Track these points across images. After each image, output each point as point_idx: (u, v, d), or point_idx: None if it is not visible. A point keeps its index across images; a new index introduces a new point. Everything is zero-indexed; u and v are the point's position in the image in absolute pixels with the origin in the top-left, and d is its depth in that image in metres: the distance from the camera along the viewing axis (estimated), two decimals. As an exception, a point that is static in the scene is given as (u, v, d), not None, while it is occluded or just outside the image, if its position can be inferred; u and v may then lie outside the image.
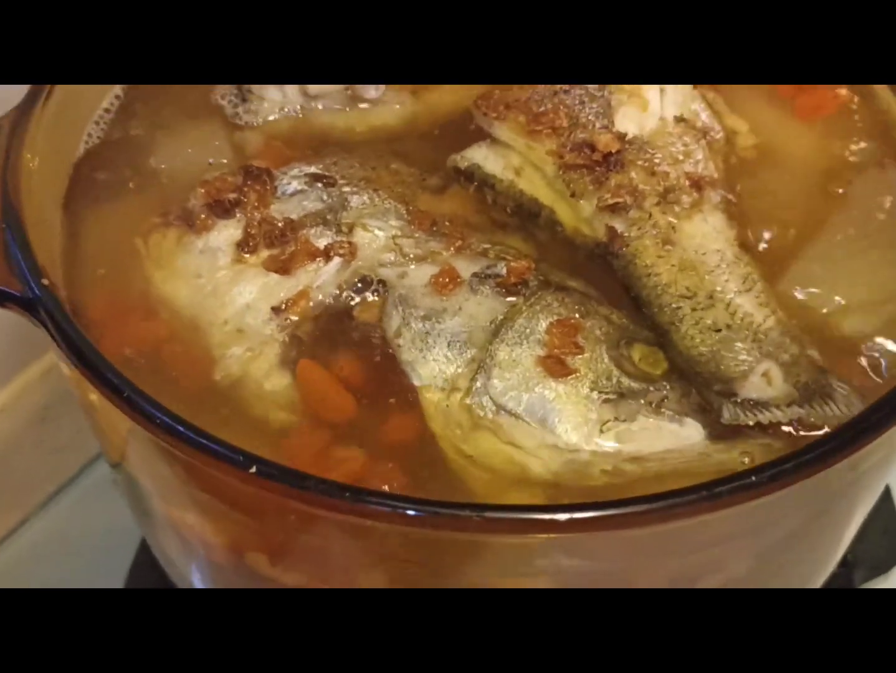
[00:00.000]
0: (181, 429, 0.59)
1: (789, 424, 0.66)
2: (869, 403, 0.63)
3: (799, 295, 0.72)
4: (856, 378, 0.68)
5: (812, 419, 0.66)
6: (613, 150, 0.74)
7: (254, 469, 0.58)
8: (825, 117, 0.80)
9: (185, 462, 0.61)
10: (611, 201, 0.73)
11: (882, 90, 0.81)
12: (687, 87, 0.79)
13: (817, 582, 0.80)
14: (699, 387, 0.67)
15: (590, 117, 0.76)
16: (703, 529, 0.60)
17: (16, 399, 1.16)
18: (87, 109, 0.80)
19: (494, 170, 0.77)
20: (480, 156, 0.77)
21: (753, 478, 0.58)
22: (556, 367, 0.67)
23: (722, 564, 0.66)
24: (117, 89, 0.82)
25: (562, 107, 0.76)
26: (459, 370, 0.68)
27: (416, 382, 0.68)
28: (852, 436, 0.59)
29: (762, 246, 0.75)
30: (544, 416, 0.66)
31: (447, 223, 0.75)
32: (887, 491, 1.03)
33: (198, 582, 0.81)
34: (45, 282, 0.65)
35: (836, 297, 0.71)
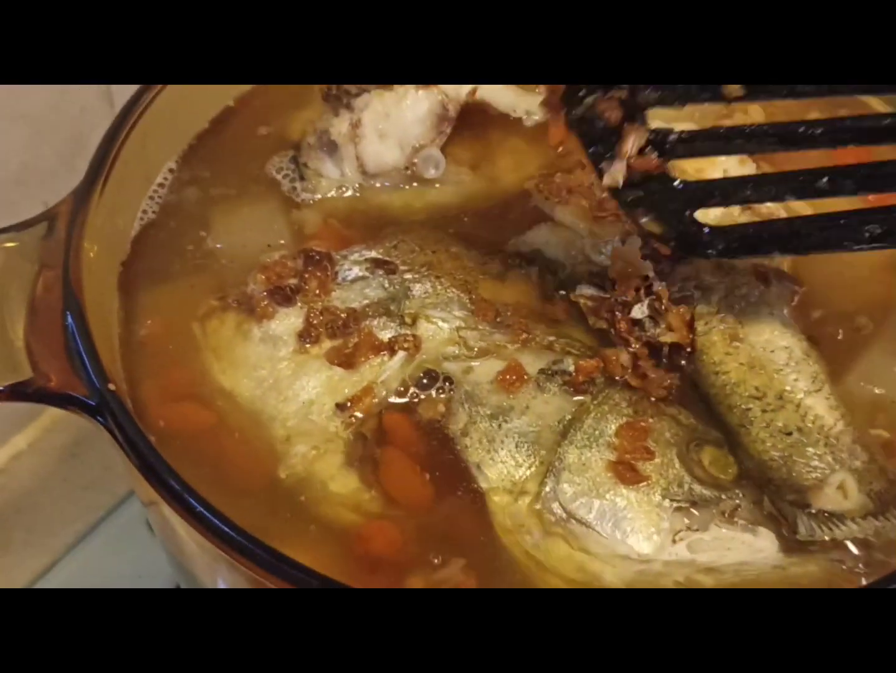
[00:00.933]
0: (255, 549, 0.58)
1: (865, 536, 0.65)
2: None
3: (865, 391, 0.71)
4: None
5: (888, 531, 0.65)
6: (681, 240, 0.72)
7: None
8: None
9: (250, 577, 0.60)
10: (678, 295, 0.72)
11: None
12: (751, 170, 0.77)
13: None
14: (771, 495, 0.66)
15: (656, 205, 0.75)
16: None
17: (44, 434, 1.15)
18: (141, 185, 0.79)
19: (557, 254, 0.75)
20: (542, 240, 0.76)
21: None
22: (627, 473, 0.66)
23: None
24: (171, 162, 0.80)
25: (628, 193, 0.75)
26: (528, 473, 0.67)
27: (484, 485, 0.67)
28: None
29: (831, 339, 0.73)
30: (616, 524, 0.65)
31: (511, 313, 0.73)
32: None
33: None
34: (112, 387, 0.64)
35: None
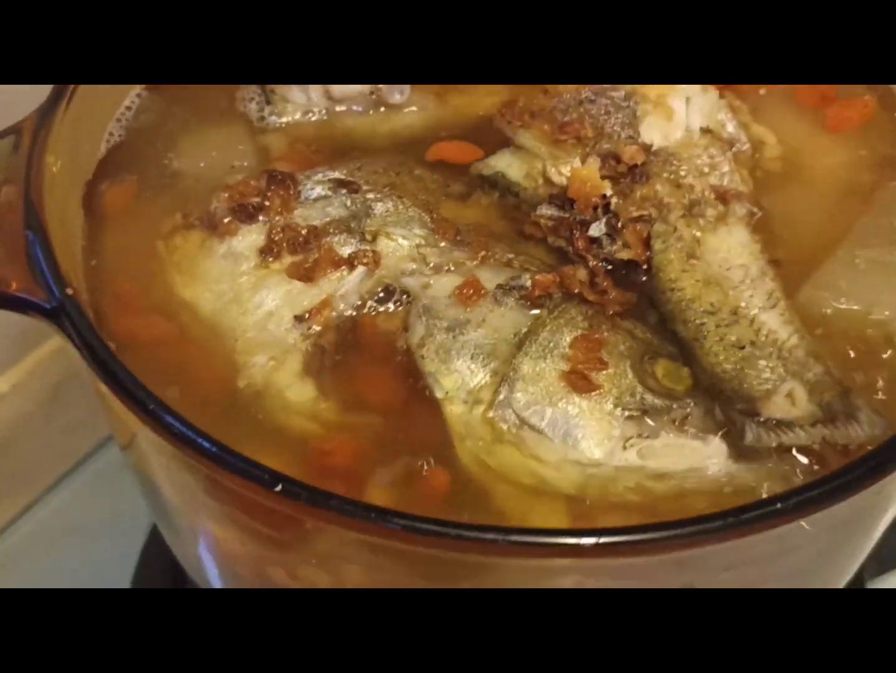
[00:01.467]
0: (208, 445, 0.59)
1: (812, 444, 0.65)
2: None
3: (822, 307, 0.72)
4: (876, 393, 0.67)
5: (836, 439, 0.65)
6: (639, 162, 0.73)
7: (279, 487, 0.57)
8: (853, 128, 0.80)
9: (207, 475, 0.61)
10: (636, 213, 0.72)
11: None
12: (713, 97, 0.78)
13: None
14: (722, 405, 0.67)
15: (615, 127, 0.76)
16: (726, 551, 0.60)
17: (28, 377, 1.17)
18: (108, 108, 0.80)
19: (518, 177, 0.76)
20: (504, 163, 0.77)
21: (779, 505, 0.58)
22: (580, 382, 0.67)
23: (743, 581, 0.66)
24: (139, 88, 0.81)
25: (587, 116, 0.76)
26: (482, 382, 0.68)
27: (439, 394, 0.68)
28: (876, 464, 0.59)
29: (787, 259, 0.74)
30: (567, 431, 0.66)
31: (471, 232, 0.74)
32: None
33: (209, 565, 0.81)
34: (70, 291, 0.65)
35: (857, 307, 0.71)
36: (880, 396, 0.68)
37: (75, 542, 1.16)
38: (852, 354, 0.70)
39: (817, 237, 0.75)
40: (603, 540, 0.57)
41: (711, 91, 0.79)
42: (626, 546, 0.57)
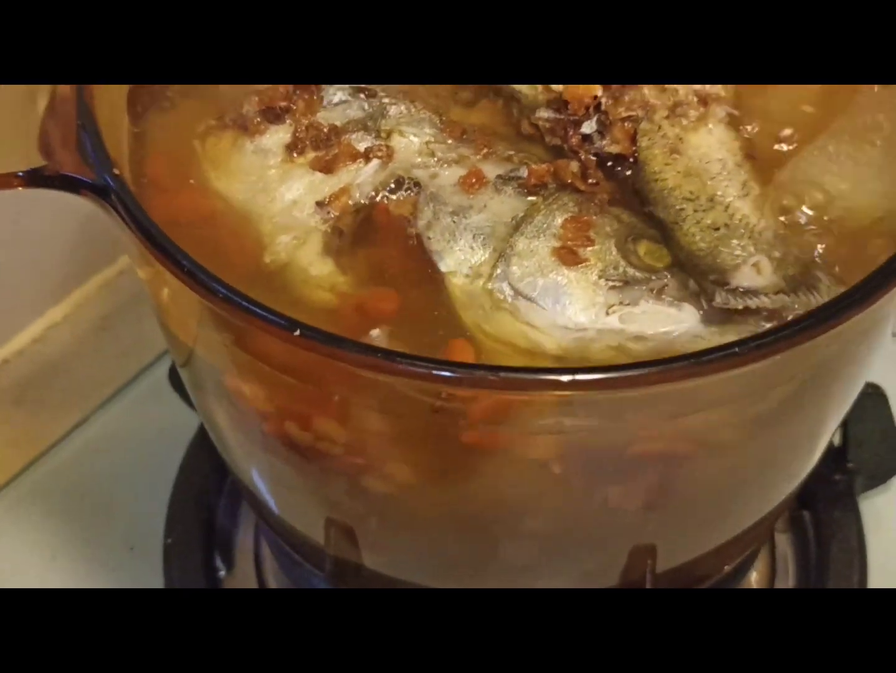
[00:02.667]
0: (237, 299, 0.67)
1: (775, 310, 0.73)
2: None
3: (793, 191, 0.79)
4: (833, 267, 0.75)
5: (796, 307, 0.73)
6: (629, 68, 0.81)
7: (297, 332, 0.66)
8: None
9: (239, 328, 0.70)
10: (625, 114, 0.80)
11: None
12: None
13: (807, 467, 0.88)
14: (697, 277, 0.75)
15: (608, 38, 0.83)
16: (692, 394, 0.68)
17: (77, 309, 1.25)
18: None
19: (521, 85, 0.84)
20: (508, 72, 0.85)
21: (737, 349, 0.65)
22: (568, 256, 0.75)
23: (713, 434, 0.73)
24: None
25: (583, 28, 0.84)
26: (482, 259, 0.76)
27: (444, 269, 0.76)
28: (820, 319, 0.66)
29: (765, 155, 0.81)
30: (556, 299, 0.74)
31: (476, 132, 0.82)
32: (884, 398, 1.10)
33: (245, 459, 0.90)
34: (116, 171, 0.73)
35: (822, 194, 0.78)
36: (837, 269, 0.75)
37: (124, 452, 1.24)
38: (818, 234, 0.77)
39: (796, 134, 0.82)
40: (578, 377, 0.65)
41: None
42: (599, 382, 0.65)
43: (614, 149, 0.80)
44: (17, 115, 0.76)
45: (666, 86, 0.82)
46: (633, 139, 0.79)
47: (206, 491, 1.15)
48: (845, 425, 1.13)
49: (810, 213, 0.78)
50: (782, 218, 0.79)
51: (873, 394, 1.14)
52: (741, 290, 0.74)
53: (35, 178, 0.75)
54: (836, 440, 1.13)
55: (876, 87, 0.84)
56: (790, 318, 0.73)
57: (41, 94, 0.77)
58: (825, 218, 0.78)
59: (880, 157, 0.80)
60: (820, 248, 0.76)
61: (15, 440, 1.26)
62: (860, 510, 1.14)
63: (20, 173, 0.74)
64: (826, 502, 1.15)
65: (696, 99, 0.82)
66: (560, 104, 0.82)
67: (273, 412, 0.79)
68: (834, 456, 1.15)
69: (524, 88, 0.84)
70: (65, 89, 0.77)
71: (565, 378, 0.65)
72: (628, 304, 0.74)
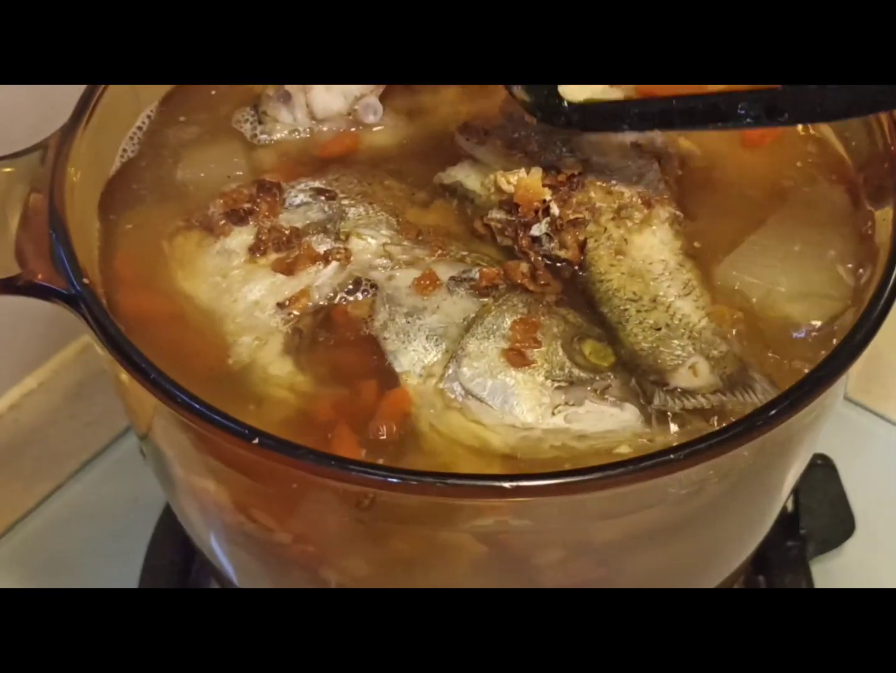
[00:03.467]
0: (198, 406, 0.71)
1: (712, 410, 0.77)
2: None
3: (732, 285, 0.84)
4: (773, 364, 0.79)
5: (731, 406, 0.77)
6: (576, 172, 0.85)
7: (256, 441, 0.70)
8: (766, 144, 0.91)
9: (201, 434, 0.73)
10: (572, 217, 0.84)
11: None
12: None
13: (753, 543, 0.92)
14: (639, 377, 0.79)
15: (557, 143, 0.88)
16: (634, 494, 0.72)
17: (53, 375, 1.28)
18: (122, 128, 0.92)
19: (474, 186, 0.88)
20: (462, 174, 0.89)
21: (671, 456, 0.69)
22: (516, 358, 0.78)
23: (657, 525, 0.77)
24: (149, 111, 0.94)
25: (533, 133, 0.88)
26: (435, 359, 0.80)
27: (398, 369, 0.80)
28: (752, 424, 0.70)
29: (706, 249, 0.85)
30: (505, 399, 0.78)
31: (431, 233, 0.86)
32: (833, 467, 1.14)
33: (213, 541, 0.93)
34: (86, 280, 0.77)
35: (760, 284, 0.83)
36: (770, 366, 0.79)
37: (95, 522, 1.27)
38: (756, 327, 0.82)
39: (734, 231, 0.86)
40: (521, 483, 0.68)
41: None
42: (538, 489, 0.68)
43: (563, 254, 0.83)
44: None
45: (612, 188, 0.86)
46: (583, 247, 0.83)
47: (177, 561, 1.18)
48: (796, 493, 1.17)
49: (746, 302, 0.83)
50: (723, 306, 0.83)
51: (823, 465, 1.18)
52: (679, 390, 0.77)
53: (9, 287, 0.78)
54: (789, 506, 1.17)
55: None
56: (730, 417, 0.77)
57: (13, 208, 0.81)
58: (759, 313, 0.82)
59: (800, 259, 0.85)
60: (750, 345, 0.80)
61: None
62: (812, 574, 1.17)
63: (-3, 280, 0.78)
64: (779, 567, 1.18)
65: (640, 201, 0.85)
66: (511, 206, 0.86)
67: (224, 502, 0.83)
68: (787, 523, 1.18)
69: (478, 189, 0.88)
70: (37, 199, 0.81)
71: (508, 485, 0.68)
72: (573, 405, 0.78)
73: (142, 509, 1.23)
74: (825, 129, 0.92)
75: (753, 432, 0.70)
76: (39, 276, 0.78)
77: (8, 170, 0.84)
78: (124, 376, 0.76)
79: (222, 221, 0.86)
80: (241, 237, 0.86)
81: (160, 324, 0.82)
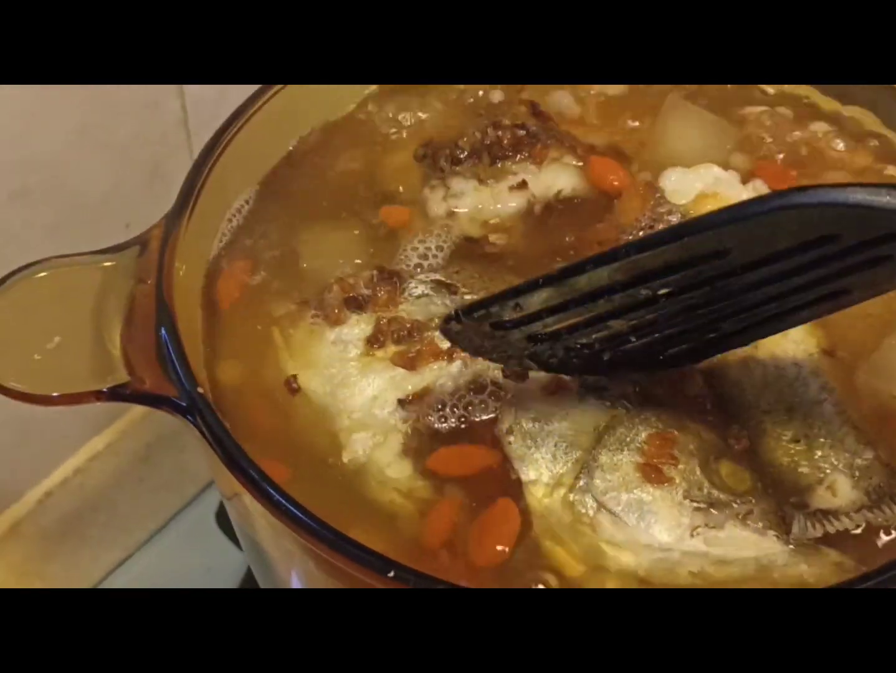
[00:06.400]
0: (328, 534, 0.67)
1: (857, 528, 0.73)
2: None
3: (875, 390, 0.79)
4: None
5: (880, 521, 0.73)
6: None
7: (392, 574, 0.65)
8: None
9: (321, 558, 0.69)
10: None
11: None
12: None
13: None
14: (779, 498, 0.75)
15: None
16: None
17: (120, 437, 1.24)
18: (223, 210, 0.88)
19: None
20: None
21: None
22: (653, 473, 0.74)
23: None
24: (250, 191, 0.90)
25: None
26: (564, 469, 0.76)
27: (524, 477, 0.76)
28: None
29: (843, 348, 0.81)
30: (641, 516, 0.74)
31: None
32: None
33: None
34: (201, 390, 0.72)
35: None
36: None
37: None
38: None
39: (872, 325, 0.82)
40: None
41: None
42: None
43: None
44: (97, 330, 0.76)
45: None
46: None
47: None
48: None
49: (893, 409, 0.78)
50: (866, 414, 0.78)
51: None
52: (820, 513, 0.73)
53: (115, 395, 0.74)
54: None
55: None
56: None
57: (115, 306, 0.77)
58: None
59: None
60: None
61: (54, 578, 1.25)
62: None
63: (104, 389, 0.74)
64: None
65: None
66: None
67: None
68: None
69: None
70: (141, 296, 0.77)
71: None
72: (713, 528, 0.73)
73: (216, 580, 1.19)
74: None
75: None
76: (147, 384, 0.74)
77: (108, 264, 0.80)
78: (242, 491, 0.72)
79: (339, 309, 0.82)
80: (359, 327, 0.82)
81: (269, 430, 0.78)
